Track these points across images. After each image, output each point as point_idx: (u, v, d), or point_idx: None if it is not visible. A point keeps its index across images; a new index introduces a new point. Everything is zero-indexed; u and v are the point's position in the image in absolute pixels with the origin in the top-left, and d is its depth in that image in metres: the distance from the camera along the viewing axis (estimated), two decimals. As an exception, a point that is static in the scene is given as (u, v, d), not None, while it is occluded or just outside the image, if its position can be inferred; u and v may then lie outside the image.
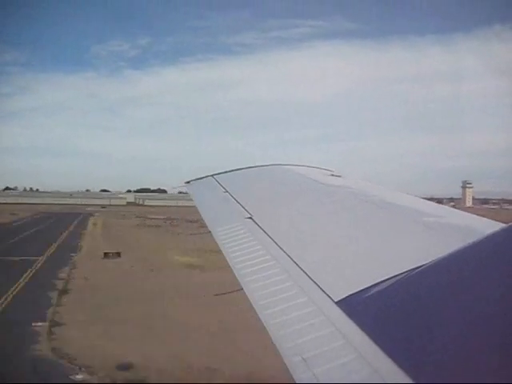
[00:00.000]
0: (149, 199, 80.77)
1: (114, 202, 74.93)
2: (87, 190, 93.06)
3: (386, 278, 2.10)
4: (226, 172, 5.37)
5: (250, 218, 3.50)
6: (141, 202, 77.29)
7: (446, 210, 3.46)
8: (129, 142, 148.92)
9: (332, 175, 5.12)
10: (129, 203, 74.58)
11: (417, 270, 2.09)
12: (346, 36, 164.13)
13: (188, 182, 5.46)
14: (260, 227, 3.26)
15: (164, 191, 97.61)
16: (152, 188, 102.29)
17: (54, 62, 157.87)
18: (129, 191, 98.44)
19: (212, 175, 5.31)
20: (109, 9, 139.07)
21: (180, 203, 74.63)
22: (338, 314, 1.96)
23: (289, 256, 2.67)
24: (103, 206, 63.84)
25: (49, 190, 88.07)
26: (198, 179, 5.42)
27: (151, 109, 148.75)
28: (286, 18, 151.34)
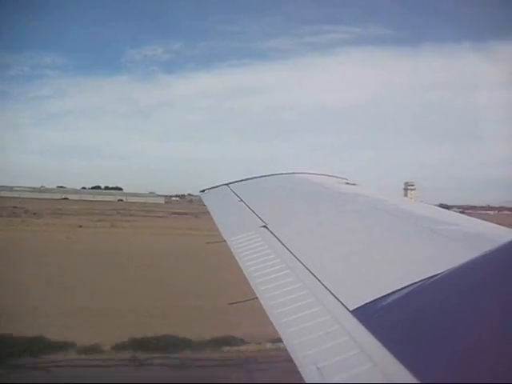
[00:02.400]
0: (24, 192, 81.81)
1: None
2: (41, 186, 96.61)
3: (402, 286, 2.09)
4: (240, 181, 5.40)
5: (265, 226, 3.51)
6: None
7: (461, 217, 3.42)
8: (162, 145, 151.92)
9: (347, 183, 5.10)
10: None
11: (432, 279, 2.07)
12: (380, 42, 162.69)
13: (203, 191, 5.51)
14: (275, 236, 3.27)
15: (119, 189, 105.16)
16: (110, 186, 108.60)
17: (90, 66, 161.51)
18: (83, 188, 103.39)
19: (227, 184, 5.35)
20: (142, 14, 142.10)
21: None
22: (353, 323, 1.96)
23: (303, 265, 2.67)
24: None
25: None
26: (213, 188, 5.46)
27: (185, 113, 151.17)
28: (319, 24, 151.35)
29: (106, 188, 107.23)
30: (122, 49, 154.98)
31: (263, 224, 3.56)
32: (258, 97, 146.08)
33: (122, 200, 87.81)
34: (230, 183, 5.33)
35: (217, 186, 5.42)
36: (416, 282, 2.09)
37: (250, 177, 5.51)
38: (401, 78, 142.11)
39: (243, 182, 5.38)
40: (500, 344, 1.53)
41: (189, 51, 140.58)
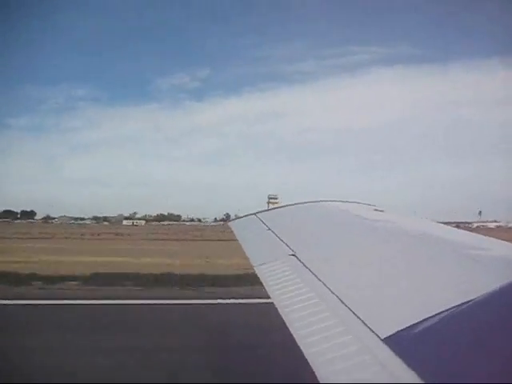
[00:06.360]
0: None
1: None
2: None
3: (434, 313, 2.05)
4: (268, 210, 5.47)
5: (294, 255, 3.52)
6: None
7: (491, 241, 3.31)
8: (192, 172, 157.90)
9: (375, 210, 5.05)
10: None
11: (465, 305, 2.03)
12: (407, 61, 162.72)
13: (231, 221, 5.61)
14: (303, 264, 3.26)
15: (33, 213, 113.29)
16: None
17: (120, 96, 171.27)
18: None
19: (255, 213, 5.42)
20: (166, 43, 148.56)
21: None
22: (385, 352, 1.92)
23: (333, 293, 2.65)
24: None
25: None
26: (241, 217, 5.55)
27: (214, 139, 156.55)
28: (345, 45, 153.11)
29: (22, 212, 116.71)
30: (150, 78, 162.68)
31: (292, 252, 3.57)
32: (285, 120, 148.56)
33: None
34: (258, 212, 5.39)
35: (245, 216, 5.50)
36: (448, 309, 2.05)
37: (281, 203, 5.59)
38: (429, 97, 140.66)
39: (271, 210, 5.45)
40: None
41: (215, 78, 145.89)
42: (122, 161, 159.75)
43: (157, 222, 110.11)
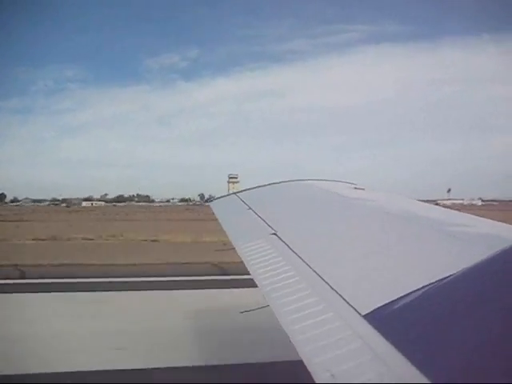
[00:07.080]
0: None
1: None
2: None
3: (413, 289, 2.09)
4: (248, 189, 5.45)
5: (275, 234, 3.53)
6: None
7: (470, 218, 3.43)
8: (181, 153, 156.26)
9: (355, 188, 5.13)
10: None
11: (444, 281, 2.07)
12: (398, 39, 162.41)
13: (211, 201, 5.57)
14: (285, 243, 3.27)
15: (3, 196, 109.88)
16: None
17: (109, 77, 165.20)
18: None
19: (235, 193, 5.40)
20: (156, 23, 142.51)
21: None
22: (366, 328, 1.95)
23: (314, 271, 2.67)
24: None
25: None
26: (222, 197, 5.51)
27: (204, 119, 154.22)
28: (334, 24, 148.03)
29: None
30: (139, 59, 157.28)
31: (273, 231, 3.59)
32: (276, 99, 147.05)
33: None
34: (238, 192, 5.38)
35: (225, 196, 5.47)
36: (428, 285, 2.10)
37: (260, 182, 5.59)
38: (419, 74, 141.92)
39: (251, 190, 5.43)
40: None
41: (206, 57, 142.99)
42: (109, 142, 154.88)
43: (115, 204, 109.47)
